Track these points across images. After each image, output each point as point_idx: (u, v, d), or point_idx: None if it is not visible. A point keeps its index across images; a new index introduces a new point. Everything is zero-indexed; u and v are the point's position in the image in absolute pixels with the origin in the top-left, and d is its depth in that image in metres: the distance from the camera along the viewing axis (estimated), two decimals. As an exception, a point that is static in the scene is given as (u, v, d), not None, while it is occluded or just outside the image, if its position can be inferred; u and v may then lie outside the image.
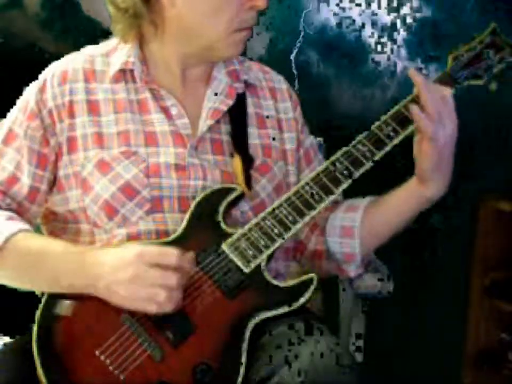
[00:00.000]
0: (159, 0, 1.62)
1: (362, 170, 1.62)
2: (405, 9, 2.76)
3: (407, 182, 1.66)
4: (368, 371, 1.68)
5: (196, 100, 1.70)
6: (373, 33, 2.82)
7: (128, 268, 1.47)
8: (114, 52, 1.70)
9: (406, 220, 1.68)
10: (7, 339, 1.66)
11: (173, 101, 1.68)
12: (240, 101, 1.73)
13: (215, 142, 1.69)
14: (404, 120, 1.63)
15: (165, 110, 1.67)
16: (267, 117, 1.76)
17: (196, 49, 1.66)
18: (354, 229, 1.70)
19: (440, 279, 2.85)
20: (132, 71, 1.68)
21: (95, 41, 1.77)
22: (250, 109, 1.75)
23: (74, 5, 3.02)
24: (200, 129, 1.67)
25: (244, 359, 1.50)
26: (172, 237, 1.59)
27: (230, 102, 1.71)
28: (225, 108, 1.70)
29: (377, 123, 1.64)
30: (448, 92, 1.62)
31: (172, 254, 1.48)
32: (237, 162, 1.67)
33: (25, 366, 1.50)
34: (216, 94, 1.71)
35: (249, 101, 1.75)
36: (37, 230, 1.72)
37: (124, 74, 1.68)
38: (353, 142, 1.63)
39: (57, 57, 1.73)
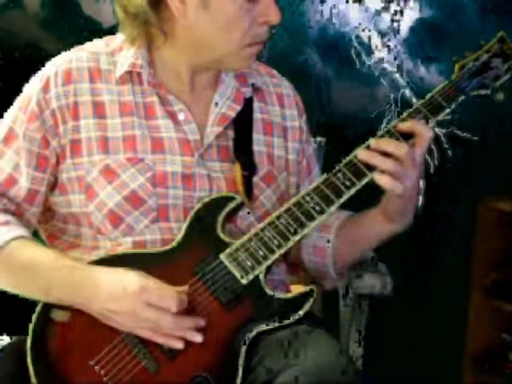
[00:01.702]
0: (169, 9, 1.57)
1: (365, 181, 1.58)
2: (405, 10, 2.76)
3: (373, 213, 1.65)
4: (369, 371, 1.68)
5: (203, 104, 1.68)
6: (373, 33, 2.81)
7: (126, 301, 1.46)
8: (120, 51, 1.66)
9: (373, 245, 1.71)
10: (7, 339, 1.66)
11: (180, 106, 1.65)
12: (247, 106, 1.71)
13: (222, 148, 1.67)
14: (406, 135, 1.60)
15: (172, 115, 1.64)
16: (273, 123, 1.74)
17: (205, 60, 1.63)
18: (327, 250, 1.71)
19: (440, 279, 2.85)
20: (139, 73, 1.64)
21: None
22: (257, 114, 1.73)
23: (74, 5, 3.02)
24: (207, 136, 1.65)
25: (240, 371, 1.48)
26: (170, 246, 1.57)
27: (238, 108, 1.68)
28: (232, 114, 1.68)
29: (380, 133, 1.60)
30: (427, 132, 1.56)
31: (171, 300, 1.46)
32: (236, 170, 1.65)
33: (25, 367, 1.49)
34: (223, 98, 1.68)
35: (256, 105, 1.73)
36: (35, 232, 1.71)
37: (131, 76, 1.65)
38: (355, 152, 1.59)
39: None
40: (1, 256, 1.56)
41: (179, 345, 1.48)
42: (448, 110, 1.63)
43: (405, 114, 1.62)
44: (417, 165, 1.56)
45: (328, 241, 1.71)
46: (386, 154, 1.55)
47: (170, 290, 1.48)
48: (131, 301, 1.46)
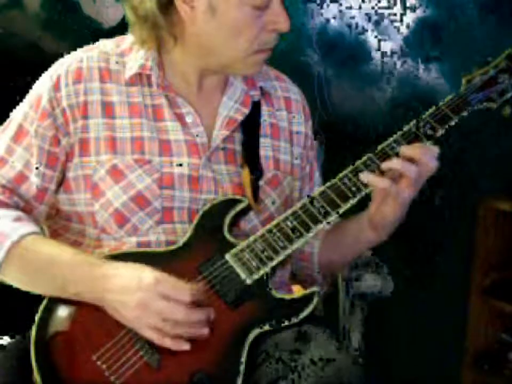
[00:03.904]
0: (179, 13, 1.58)
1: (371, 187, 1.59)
2: (406, 9, 2.76)
3: (359, 222, 1.66)
4: (368, 371, 1.68)
5: (211, 107, 1.69)
6: (373, 33, 2.82)
7: (138, 293, 1.47)
8: (130, 52, 1.67)
9: (358, 252, 1.77)
10: (7, 339, 1.66)
11: (188, 108, 1.66)
12: (255, 109, 1.72)
13: (229, 152, 1.68)
14: (412, 138, 1.61)
15: (180, 118, 1.65)
16: (280, 127, 1.75)
17: (213, 65, 1.65)
18: (313, 255, 1.74)
19: (440, 279, 2.84)
20: (148, 75, 1.65)
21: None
22: (265, 118, 1.74)
23: (74, 5, 3.02)
24: (214, 139, 1.66)
25: (242, 369, 1.50)
26: (176, 245, 1.58)
27: (246, 111, 1.69)
28: (240, 118, 1.69)
29: (385, 142, 1.61)
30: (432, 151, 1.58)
31: (185, 291, 1.47)
32: (245, 174, 1.66)
33: (24, 367, 1.50)
34: (231, 101, 1.69)
35: (264, 109, 1.74)
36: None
37: (140, 77, 1.66)
38: (363, 159, 1.60)
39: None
40: (15, 252, 1.56)
41: (186, 346, 1.48)
42: (454, 121, 1.65)
43: (411, 124, 1.63)
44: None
45: (315, 247, 1.74)
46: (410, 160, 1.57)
47: (184, 283, 1.49)
48: (144, 292, 1.46)
